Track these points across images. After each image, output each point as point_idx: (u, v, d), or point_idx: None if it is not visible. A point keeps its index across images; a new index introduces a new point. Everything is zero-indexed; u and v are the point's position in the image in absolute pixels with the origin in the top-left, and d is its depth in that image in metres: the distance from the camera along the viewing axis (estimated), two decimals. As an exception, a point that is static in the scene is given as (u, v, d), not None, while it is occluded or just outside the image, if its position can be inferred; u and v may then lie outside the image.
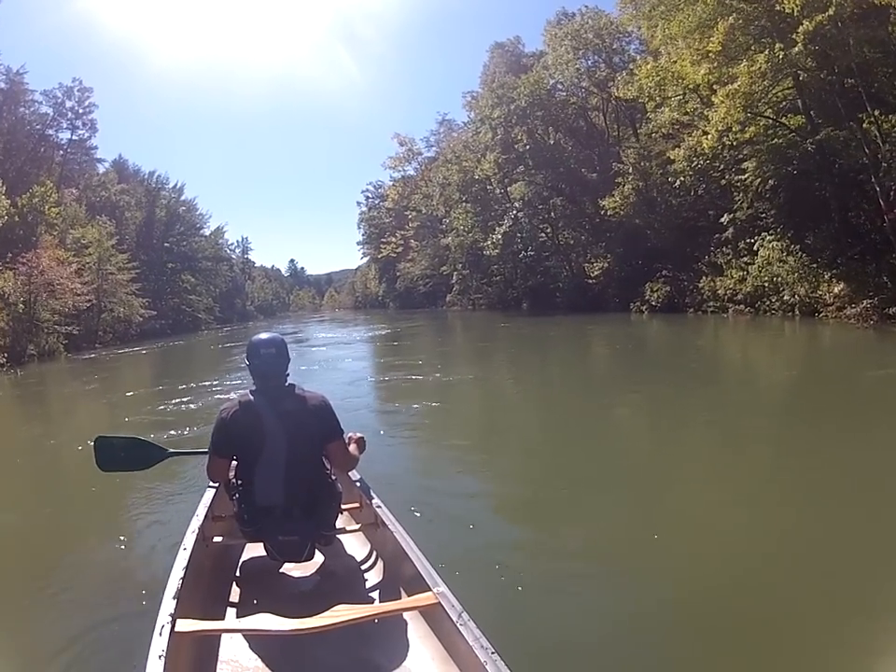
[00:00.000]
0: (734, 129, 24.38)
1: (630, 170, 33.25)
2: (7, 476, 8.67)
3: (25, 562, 5.53)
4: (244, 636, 3.04)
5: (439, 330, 37.73)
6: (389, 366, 20.34)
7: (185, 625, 2.73)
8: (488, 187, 47.59)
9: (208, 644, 3.00)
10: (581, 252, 41.98)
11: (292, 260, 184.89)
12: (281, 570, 3.91)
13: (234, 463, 3.84)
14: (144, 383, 21.58)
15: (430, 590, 3.00)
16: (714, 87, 24.84)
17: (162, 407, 13.13)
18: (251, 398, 3.66)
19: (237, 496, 3.77)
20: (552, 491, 6.70)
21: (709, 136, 24.82)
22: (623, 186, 33.26)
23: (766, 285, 24.03)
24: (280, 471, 3.57)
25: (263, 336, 3.89)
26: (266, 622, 2.80)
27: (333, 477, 3.90)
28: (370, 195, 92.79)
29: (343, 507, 4.06)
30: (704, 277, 27.94)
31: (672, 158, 30.19)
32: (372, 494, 4.21)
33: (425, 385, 13.99)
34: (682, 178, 30.50)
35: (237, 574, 3.95)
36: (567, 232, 44.25)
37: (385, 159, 79.96)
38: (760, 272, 24.21)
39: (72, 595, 4.74)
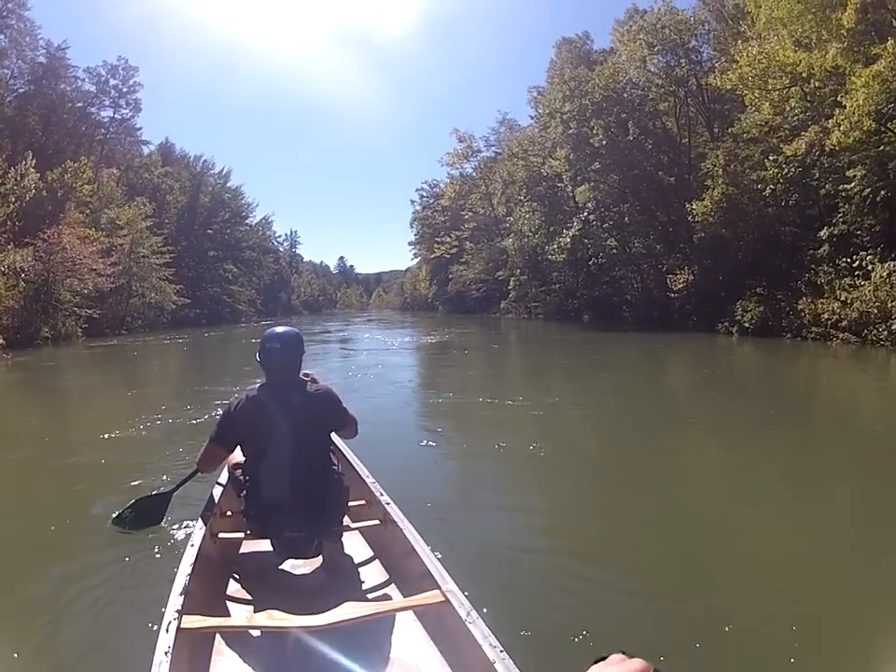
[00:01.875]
0: (865, 124, 20.38)
1: (720, 172, 28.97)
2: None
3: (28, 557, 5.17)
4: (250, 632, 3.03)
5: (493, 340, 34.40)
6: (438, 380, 17.89)
7: (191, 622, 2.76)
8: (558, 184, 43.63)
9: (214, 640, 3.01)
10: (654, 263, 37.78)
11: (342, 258, 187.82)
12: (288, 567, 3.94)
13: (242, 459, 3.88)
14: (154, 379, 19.55)
15: (439, 588, 3.02)
16: (829, 76, 22.02)
17: (161, 416, 10.90)
18: (259, 392, 3.70)
19: (244, 492, 3.76)
20: (584, 504, 6.65)
21: (841, 128, 20.76)
22: (713, 190, 28.97)
23: (875, 311, 19.97)
24: (286, 467, 3.58)
25: (273, 330, 3.93)
26: (272, 619, 2.83)
27: (341, 472, 3.91)
28: (424, 194, 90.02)
29: (351, 503, 4.05)
30: (803, 298, 23.60)
31: (767, 165, 26.88)
32: (381, 490, 4.26)
33: (476, 408, 12.28)
34: (773, 186, 26.68)
35: (244, 570, 3.93)
36: (637, 241, 40.00)
37: (442, 155, 76.31)
38: (874, 294, 20.02)
39: (78, 588, 4.40)
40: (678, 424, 10.87)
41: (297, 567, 3.97)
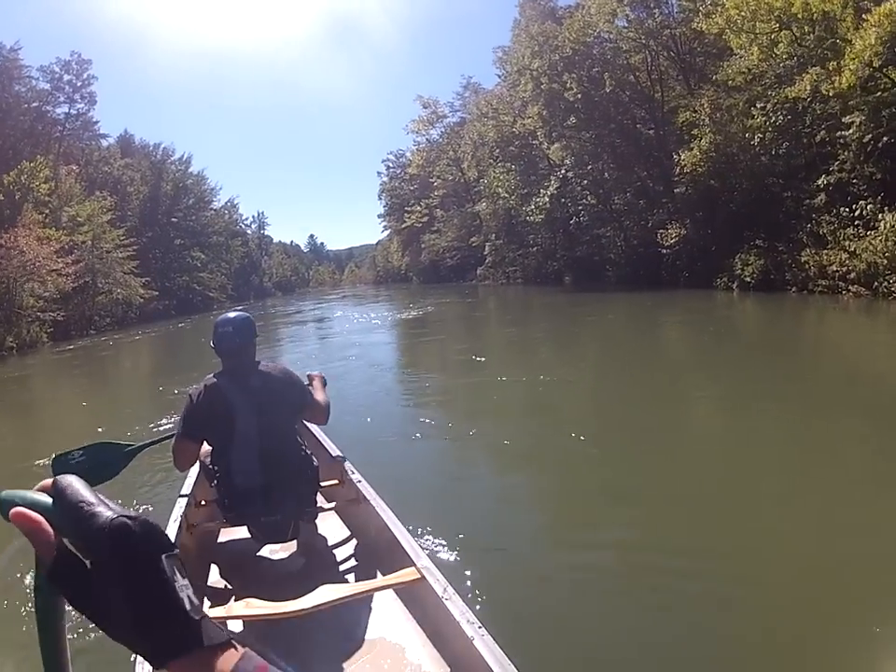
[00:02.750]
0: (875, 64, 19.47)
1: (707, 120, 27.68)
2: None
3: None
4: (230, 621, 2.88)
5: (473, 309, 33.29)
6: (418, 359, 17.22)
7: None
8: (532, 142, 42.08)
9: None
10: (636, 219, 36.40)
11: (312, 236, 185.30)
12: (265, 552, 3.93)
13: (209, 448, 3.81)
14: (124, 382, 18.99)
15: (414, 565, 3.01)
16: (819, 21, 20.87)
17: (133, 422, 10.44)
18: (216, 380, 3.67)
19: (216, 481, 3.73)
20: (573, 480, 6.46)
21: (847, 71, 19.68)
22: (700, 139, 27.68)
23: (885, 262, 18.84)
24: (254, 452, 3.57)
25: (225, 315, 3.91)
26: (251, 607, 2.76)
27: (308, 451, 3.87)
28: (391, 164, 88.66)
29: (323, 483, 4.02)
30: (806, 250, 22.36)
31: (754, 113, 25.75)
32: (353, 469, 4.27)
33: (460, 388, 11.68)
34: (761, 135, 25.50)
35: (223, 559, 3.93)
36: (617, 197, 38.51)
37: (407, 122, 74.41)
38: (885, 244, 18.92)
39: None
40: (687, 390, 10.22)
41: (275, 552, 3.95)
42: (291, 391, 3.77)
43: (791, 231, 23.95)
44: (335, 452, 4.59)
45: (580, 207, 39.59)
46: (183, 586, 0.66)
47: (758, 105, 25.66)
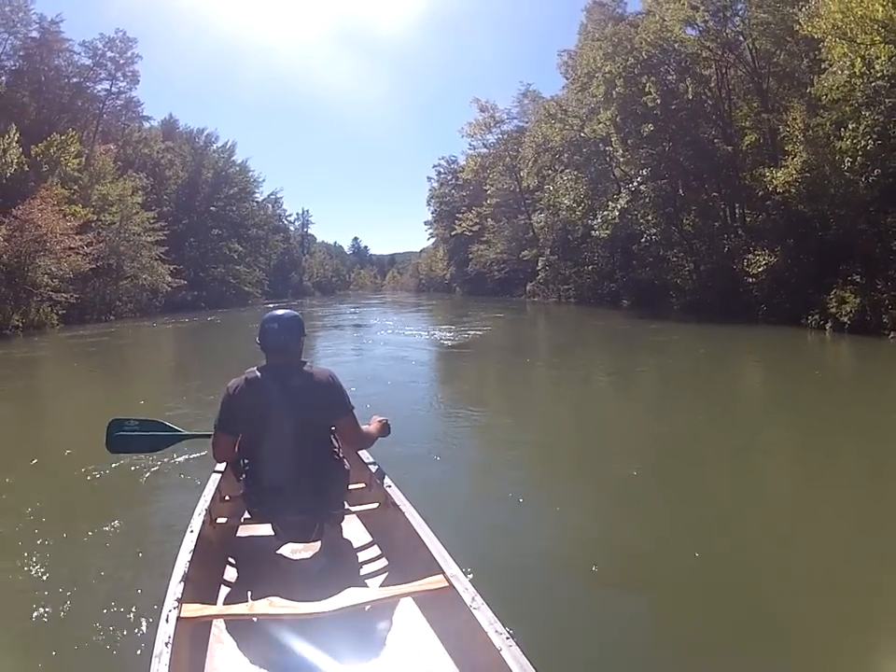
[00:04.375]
0: None
1: (801, 137, 24.17)
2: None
3: (26, 544, 5.11)
4: (250, 620, 2.96)
5: (523, 328, 30.68)
6: (471, 379, 15.51)
7: (191, 610, 2.75)
8: (606, 148, 38.59)
9: (216, 628, 3.01)
10: (708, 243, 32.74)
11: (356, 238, 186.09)
12: (289, 552, 3.93)
13: (241, 441, 3.83)
14: (130, 374, 17.58)
15: (443, 573, 2.99)
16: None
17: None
18: (258, 374, 3.67)
19: (244, 476, 3.77)
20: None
21: None
22: (794, 158, 24.19)
23: None
24: (288, 450, 3.56)
25: (272, 312, 3.93)
26: (274, 606, 2.79)
27: (341, 455, 3.89)
28: (442, 170, 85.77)
29: (352, 487, 4.03)
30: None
31: (843, 134, 22.16)
32: (383, 473, 4.23)
33: (516, 429, 9.96)
34: (850, 159, 22.04)
35: (245, 556, 3.92)
36: (686, 218, 35.00)
37: (462, 125, 71.13)
38: None
39: (77, 579, 4.46)
40: (797, 454, 8.47)
41: (296, 551, 3.90)
42: (332, 396, 3.68)
43: (889, 266, 20.82)
44: (366, 456, 4.51)
45: (650, 226, 35.88)
46: None
47: (849, 127, 22.32)
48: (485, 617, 2.58)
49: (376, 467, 4.34)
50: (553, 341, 26.19)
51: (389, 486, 4.00)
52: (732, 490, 6.49)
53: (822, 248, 23.58)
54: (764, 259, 26.04)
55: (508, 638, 2.42)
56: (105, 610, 3.96)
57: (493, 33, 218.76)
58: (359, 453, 4.53)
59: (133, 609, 3.86)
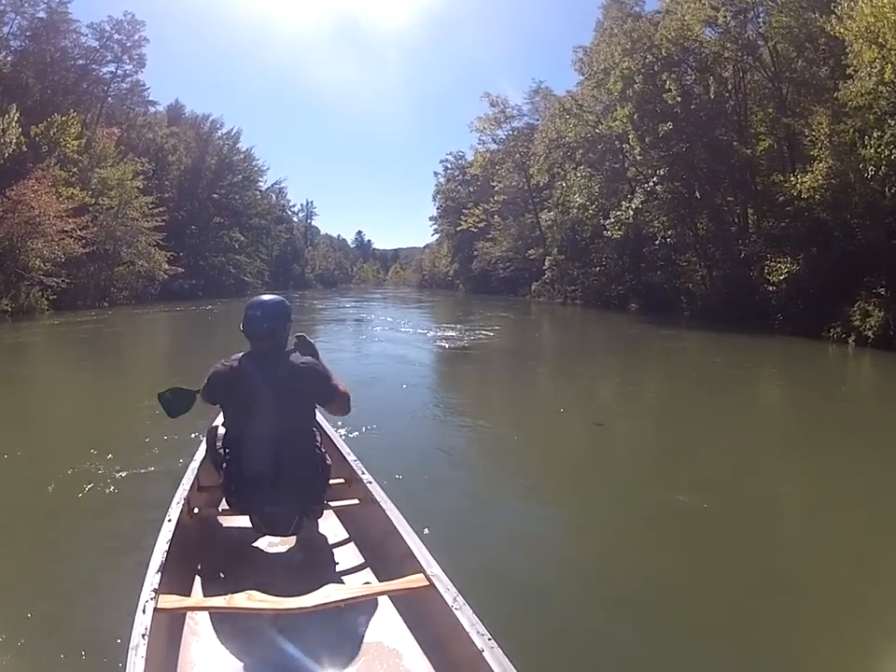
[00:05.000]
0: None
1: (827, 142, 23.14)
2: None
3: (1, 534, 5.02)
4: (229, 613, 2.91)
5: (528, 330, 29.42)
6: (471, 387, 14.25)
7: (169, 601, 2.72)
8: (623, 145, 37.17)
9: (192, 620, 2.99)
10: (722, 248, 31.77)
11: (360, 232, 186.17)
12: (266, 544, 3.91)
13: (222, 431, 3.86)
14: (119, 366, 16.41)
15: (423, 571, 2.96)
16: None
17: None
18: (242, 361, 3.63)
19: (224, 465, 3.72)
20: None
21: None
22: (819, 162, 23.16)
23: None
24: (269, 441, 3.51)
25: (257, 298, 3.89)
26: (252, 600, 2.73)
27: (323, 449, 3.84)
28: (449, 165, 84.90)
29: (332, 482, 3.97)
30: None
31: (867, 143, 21.13)
32: (364, 469, 4.21)
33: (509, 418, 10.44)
34: (874, 168, 21.13)
35: (222, 547, 3.88)
36: (700, 221, 33.86)
37: (472, 120, 69.93)
38: None
39: (52, 569, 4.41)
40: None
41: (273, 545, 3.89)
42: (317, 386, 3.67)
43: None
44: (346, 451, 4.48)
45: (665, 228, 34.76)
46: None
47: (874, 135, 21.38)
48: (467, 617, 2.56)
49: (357, 462, 4.31)
50: (559, 345, 25.27)
51: (370, 483, 3.98)
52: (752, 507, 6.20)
53: (845, 258, 22.58)
54: (786, 267, 25.04)
55: (490, 639, 2.41)
56: (80, 601, 3.94)
57: (503, 28, 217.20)
58: (338, 447, 4.55)
59: (110, 600, 3.76)
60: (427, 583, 2.84)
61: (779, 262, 25.40)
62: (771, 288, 25.38)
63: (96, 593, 3.98)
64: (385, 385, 12.53)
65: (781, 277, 24.89)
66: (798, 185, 23.56)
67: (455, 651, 2.56)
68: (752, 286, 27.10)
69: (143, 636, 2.37)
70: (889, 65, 20.42)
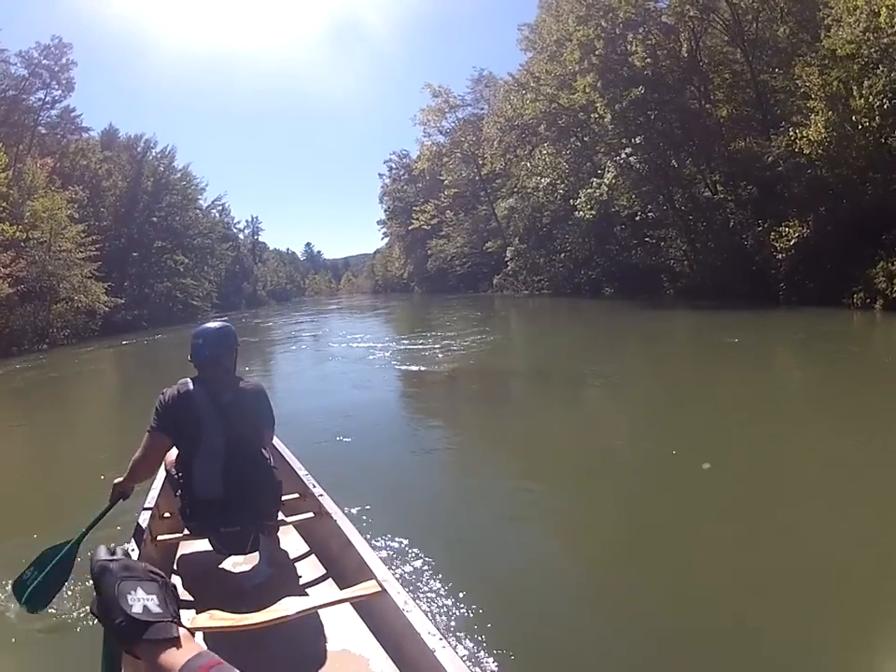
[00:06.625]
0: None
1: (822, 93, 21.38)
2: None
3: None
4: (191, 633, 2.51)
5: (495, 328, 26.34)
6: (448, 408, 12.08)
7: None
8: (591, 115, 34.27)
9: None
10: (704, 218, 29.86)
11: (308, 244, 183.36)
12: (228, 565, 3.93)
13: (175, 457, 3.85)
14: (37, 428, 13.37)
15: (375, 578, 3.01)
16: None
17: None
18: (190, 387, 3.68)
19: (179, 491, 3.74)
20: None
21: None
22: (816, 115, 21.49)
23: None
24: (219, 463, 3.56)
25: (202, 326, 3.98)
26: (214, 619, 2.77)
27: (274, 466, 3.87)
28: (393, 165, 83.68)
29: (285, 497, 4.03)
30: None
31: (855, 93, 20.22)
32: (315, 483, 4.27)
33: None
34: (866, 120, 20.16)
35: (187, 572, 3.91)
36: (677, 192, 31.66)
37: (415, 113, 68.06)
38: None
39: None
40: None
41: (237, 564, 3.94)
42: (263, 410, 3.82)
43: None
44: (298, 466, 4.56)
45: (643, 202, 32.68)
46: (140, 598, 1.01)
47: (865, 84, 20.14)
48: (418, 619, 2.61)
49: (309, 476, 4.36)
50: (538, 338, 23.28)
51: (321, 496, 4.04)
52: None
53: (857, 216, 20.90)
54: (795, 231, 23.11)
55: (441, 639, 2.46)
56: (42, 629, 3.88)
57: (447, 34, 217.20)
58: (290, 463, 4.63)
59: (77, 630, 3.76)
60: (380, 589, 2.88)
61: (788, 227, 23.49)
62: (779, 256, 23.52)
63: (62, 622, 3.90)
64: (356, 426, 9.71)
65: (791, 243, 23.03)
66: (798, 140, 22.07)
67: (410, 653, 2.59)
68: (746, 256, 25.38)
69: None
70: (885, 8, 19.52)
